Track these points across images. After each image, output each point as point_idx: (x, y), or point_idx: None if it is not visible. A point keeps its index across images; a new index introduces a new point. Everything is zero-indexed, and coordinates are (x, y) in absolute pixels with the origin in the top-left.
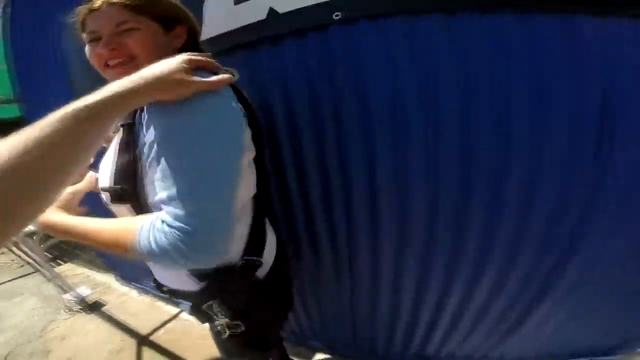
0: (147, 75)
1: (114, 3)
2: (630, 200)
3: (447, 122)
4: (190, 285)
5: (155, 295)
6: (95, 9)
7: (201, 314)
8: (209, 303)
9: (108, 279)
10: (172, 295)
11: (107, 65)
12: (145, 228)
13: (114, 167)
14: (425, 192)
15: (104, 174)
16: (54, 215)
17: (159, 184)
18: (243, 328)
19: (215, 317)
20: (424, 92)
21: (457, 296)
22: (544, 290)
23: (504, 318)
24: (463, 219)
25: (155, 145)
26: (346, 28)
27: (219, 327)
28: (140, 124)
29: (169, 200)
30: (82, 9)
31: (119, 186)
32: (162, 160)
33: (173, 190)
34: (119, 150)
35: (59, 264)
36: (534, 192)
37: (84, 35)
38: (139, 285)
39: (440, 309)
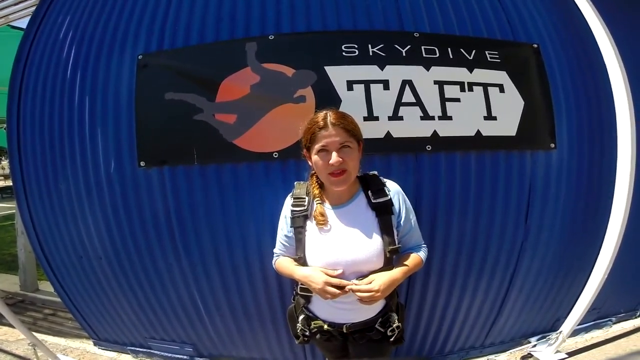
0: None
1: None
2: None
3: None
4: (378, 306)
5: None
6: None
7: (374, 331)
8: (389, 314)
9: (79, 344)
10: (351, 332)
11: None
12: (424, 255)
13: (381, 235)
14: None
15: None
16: None
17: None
18: (401, 326)
19: (391, 323)
20: None
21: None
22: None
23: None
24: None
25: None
26: (433, 157)
27: (394, 328)
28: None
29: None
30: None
31: (398, 245)
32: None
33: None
34: (381, 225)
35: None
36: None
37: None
38: (136, 348)
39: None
